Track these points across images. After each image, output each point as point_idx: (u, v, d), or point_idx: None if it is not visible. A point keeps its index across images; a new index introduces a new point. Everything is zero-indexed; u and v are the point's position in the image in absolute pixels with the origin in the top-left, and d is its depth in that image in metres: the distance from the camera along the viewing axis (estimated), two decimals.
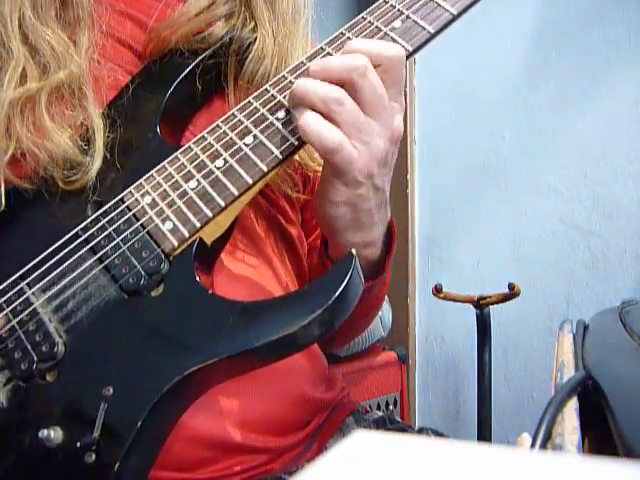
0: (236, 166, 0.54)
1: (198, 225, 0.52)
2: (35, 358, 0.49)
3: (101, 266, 0.52)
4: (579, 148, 1.54)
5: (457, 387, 1.77)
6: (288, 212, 0.71)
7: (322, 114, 0.52)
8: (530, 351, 1.61)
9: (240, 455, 0.59)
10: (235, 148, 0.55)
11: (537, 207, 1.61)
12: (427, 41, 0.58)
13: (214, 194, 0.53)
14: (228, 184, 0.53)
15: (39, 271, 0.53)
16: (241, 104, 0.57)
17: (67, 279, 0.52)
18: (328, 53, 0.58)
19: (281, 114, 0.55)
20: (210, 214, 0.53)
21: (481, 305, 1.41)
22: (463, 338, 1.70)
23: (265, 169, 0.53)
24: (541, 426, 0.35)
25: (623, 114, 1.47)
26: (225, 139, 0.55)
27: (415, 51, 0.58)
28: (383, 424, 0.71)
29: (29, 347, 0.50)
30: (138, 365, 0.49)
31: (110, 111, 0.60)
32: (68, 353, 0.50)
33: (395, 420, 0.73)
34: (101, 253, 0.53)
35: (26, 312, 0.52)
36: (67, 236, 0.54)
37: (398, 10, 0.59)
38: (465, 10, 0.59)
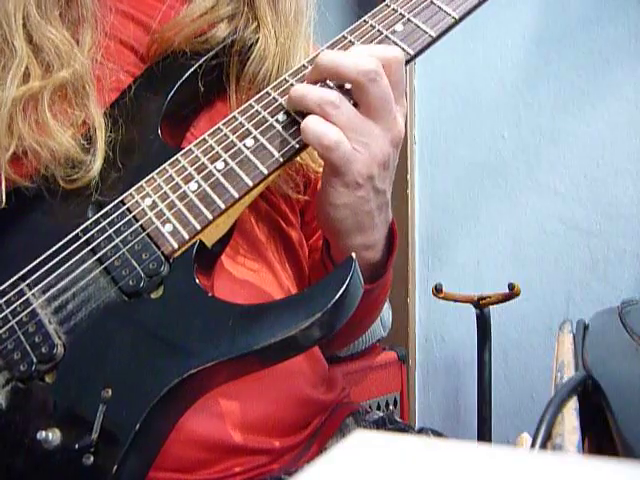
0: (237, 169, 0.54)
1: (198, 227, 0.52)
2: (34, 359, 0.49)
3: (101, 268, 0.52)
4: (579, 148, 1.54)
5: (457, 387, 1.77)
6: (288, 215, 0.71)
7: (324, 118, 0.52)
8: (530, 351, 1.61)
9: (239, 456, 0.59)
10: (236, 151, 0.55)
11: (537, 207, 1.61)
12: (429, 45, 0.58)
13: (214, 196, 0.53)
14: (229, 187, 0.53)
15: (39, 272, 0.53)
16: (242, 107, 0.57)
17: (67, 280, 0.53)
18: None
19: (282, 117, 0.55)
20: (210, 217, 0.53)
21: (481, 305, 1.41)
22: (463, 338, 1.70)
23: (266, 172, 0.53)
24: (541, 426, 0.35)
25: (623, 114, 1.47)
26: (226, 141, 0.55)
27: (417, 55, 0.58)
28: (383, 424, 0.71)
29: (28, 348, 0.50)
30: (137, 367, 0.49)
31: (112, 111, 0.60)
32: (67, 355, 0.50)
33: (395, 420, 0.73)
34: (101, 254, 0.53)
35: (26, 313, 0.52)
36: (67, 237, 0.54)
37: (400, 14, 0.59)
38: (467, 14, 0.59)
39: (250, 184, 0.53)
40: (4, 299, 0.53)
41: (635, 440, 0.33)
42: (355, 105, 0.54)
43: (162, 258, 0.52)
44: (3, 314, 0.52)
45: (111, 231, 0.54)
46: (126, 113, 0.60)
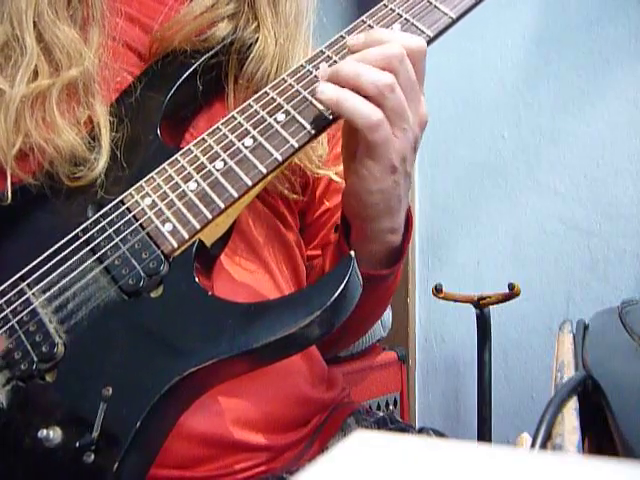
0: (236, 168, 0.54)
1: (198, 226, 0.52)
2: (35, 358, 0.50)
3: (101, 267, 0.53)
4: (579, 148, 1.54)
5: (457, 387, 1.77)
6: (287, 217, 0.71)
7: (370, 98, 0.52)
8: (530, 351, 1.61)
9: (239, 453, 0.59)
10: (235, 150, 0.55)
11: (537, 207, 1.61)
12: (426, 44, 0.58)
13: (214, 196, 0.53)
14: (228, 186, 0.53)
15: (39, 272, 0.53)
16: (241, 106, 0.57)
17: (67, 280, 0.53)
18: (328, 56, 0.58)
19: (280, 116, 0.55)
20: (210, 216, 0.53)
21: (481, 305, 1.41)
22: (463, 338, 1.70)
23: (265, 171, 0.53)
24: (541, 426, 0.35)
25: (623, 114, 1.47)
26: (225, 141, 0.56)
27: None
28: (384, 424, 0.71)
29: (29, 347, 0.50)
30: (137, 366, 0.49)
31: (116, 110, 0.61)
32: (68, 354, 0.50)
33: (396, 420, 0.73)
34: (101, 254, 0.53)
35: (26, 312, 0.52)
36: (67, 237, 0.54)
37: (397, 14, 0.59)
38: (464, 14, 0.59)
39: (249, 183, 0.53)
40: (4, 299, 0.53)
41: (635, 440, 0.33)
42: None
43: (162, 257, 0.52)
44: (3, 314, 0.52)
45: (111, 230, 0.54)
46: (130, 112, 0.61)
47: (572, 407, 0.38)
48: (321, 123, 0.55)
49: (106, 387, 0.47)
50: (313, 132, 0.55)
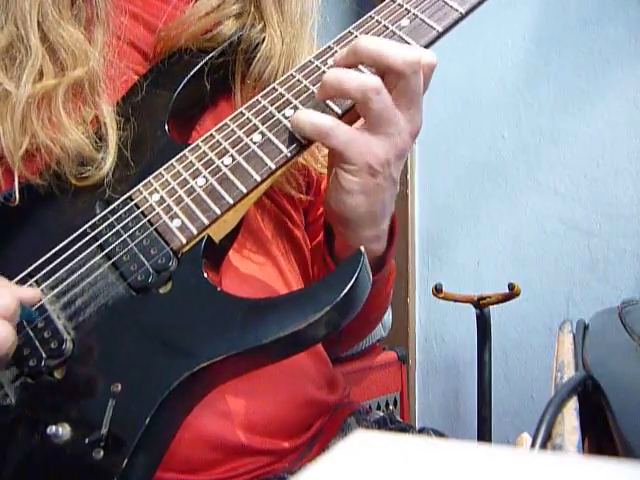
0: (244, 164, 0.54)
1: (207, 222, 0.52)
2: (43, 355, 0.50)
3: (109, 263, 0.53)
4: (579, 148, 1.54)
5: (457, 387, 1.77)
6: (293, 214, 0.71)
7: (357, 103, 0.52)
8: (530, 351, 1.61)
9: (244, 457, 0.59)
10: (243, 146, 0.55)
11: (537, 207, 1.61)
12: (435, 40, 0.58)
13: (223, 192, 0.53)
14: (236, 182, 0.53)
15: (48, 268, 0.53)
16: (249, 102, 0.57)
17: (75, 276, 0.53)
18: (336, 52, 0.57)
19: (289, 112, 0.55)
20: (219, 212, 0.53)
21: (481, 305, 1.41)
22: (463, 338, 1.70)
23: (274, 167, 0.53)
24: (541, 426, 0.36)
25: (623, 114, 1.47)
26: (233, 137, 0.55)
27: None
28: (384, 424, 0.71)
29: (37, 344, 0.50)
30: (146, 362, 0.49)
31: (122, 109, 0.61)
32: (76, 350, 0.50)
33: (396, 420, 0.73)
34: (109, 250, 0.53)
35: (34, 309, 0.52)
36: (75, 233, 0.54)
37: (405, 9, 0.59)
38: (473, 9, 0.59)
39: (258, 179, 0.53)
40: None
41: (635, 440, 0.33)
42: None
43: (170, 253, 0.52)
44: None
45: (119, 227, 0.54)
46: (136, 110, 0.61)
47: (572, 407, 0.38)
48: None
49: (115, 383, 0.47)
50: None
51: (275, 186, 0.65)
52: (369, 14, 0.60)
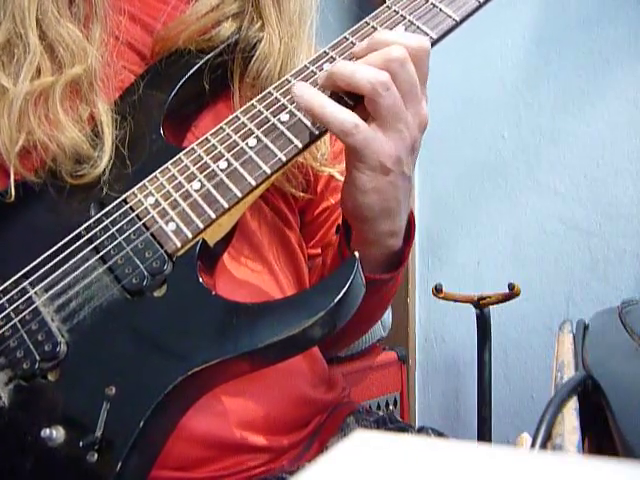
0: (240, 168, 0.54)
1: (201, 226, 0.52)
2: (37, 357, 0.50)
3: (104, 266, 0.53)
4: (579, 148, 1.54)
5: (457, 387, 1.77)
6: (288, 216, 0.71)
7: (367, 97, 0.52)
8: (530, 351, 1.61)
9: (240, 455, 0.59)
10: (239, 150, 0.55)
11: (537, 207, 1.61)
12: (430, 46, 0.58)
13: (217, 196, 0.53)
14: (231, 186, 0.53)
15: (42, 270, 0.53)
16: (244, 107, 0.57)
17: (70, 278, 0.53)
18: (332, 57, 0.58)
19: (284, 117, 0.55)
20: (213, 215, 0.53)
21: (481, 305, 1.41)
22: (463, 338, 1.70)
23: (269, 171, 0.54)
24: (541, 426, 0.36)
25: (623, 114, 1.47)
26: (228, 141, 0.56)
27: None
28: (383, 423, 0.71)
29: (31, 346, 0.50)
30: (141, 365, 0.49)
31: (119, 108, 0.61)
32: (70, 353, 0.50)
33: (395, 419, 0.73)
34: (104, 253, 0.53)
35: (28, 311, 0.52)
36: (70, 236, 0.54)
37: (401, 15, 0.59)
38: (468, 17, 0.59)
39: (253, 183, 0.53)
40: (7, 297, 0.53)
41: (635, 440, 0.33)
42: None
43: (165, 257, 0.52)
44: (6, 312, 0.52)
45: (114, 229, 0.54)
46: (133, 110, 0.61)
47: (572, 407, 0.38)
48: None
49: (109, 386, 0.47)
50: (317, 132, 0.55)
51: (274, 185, 0.65)
52: (365, 20, 0.60)
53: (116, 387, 0.47)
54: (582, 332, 0.55)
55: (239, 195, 0.53)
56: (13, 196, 0.56)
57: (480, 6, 0.59)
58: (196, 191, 0.54)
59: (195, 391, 0.50)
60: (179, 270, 0.52)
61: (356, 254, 0.50)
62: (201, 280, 0.51)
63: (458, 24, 0.59)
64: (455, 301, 1.47)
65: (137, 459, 0.46)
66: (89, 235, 0.54)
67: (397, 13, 0.59)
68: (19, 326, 0.51)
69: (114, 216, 0.55)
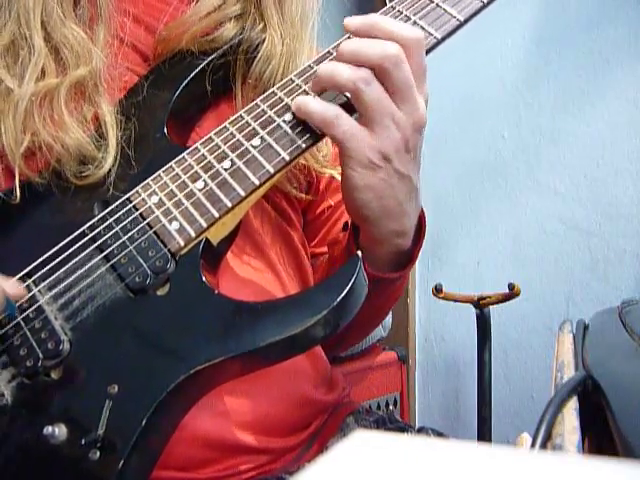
0: (243, 168, 0.54)
1: (205, 225, 0.53)
2: (40, 355, 0.50)
3: (107, 265, 0.53)
4: (579, 148, 1.54)
5: (457, 387, 1.77)
6: (291, 215, 0.71)
7: (349, 95, 0.53)
8: (530, 351, 1.61)
9: (241, 455, 0.59)
10: (242, 150, 0.55)
11: (537, 207, 1.61)
12: (434, 47, 0.58)
13: (221, 195, 0.53)
14: (235, 185, 0.53)
15: (45, 269, 0.53)
16: (248, 106, 0.58)
17: (73, 277, 0.53)
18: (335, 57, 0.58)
19: (288, 116, 0.56)
20: (217, 215, 0.53)
21: (481, 305, 1.41)
22: (463, 338, 1.70)
23: (272, 171, 0.54)
24: (541, 426, 0.36)
25: (623, 114, 1.47)
26: (232, 141, 0.56)
27: None
28: (383, 423, 0.71)
29: (34, 344, 0.50)
30: (143, 363, 0.49)
31: (123, 108, 0.61)
32: (73, 351, 0.50)
33: (395, 419, 0.74)
34: (107, 252, 0.53)
35: (32, 309, 0.52)
36: (74, 234, 0.54)
37: (405, 15, 0.59)
38: (472, 17, 0.59)
39: (257, 183, 0.53)
40: None
41: (635, 440, 0.33)
42: None
43: (168, 255, 0.52)
44: None
45: (117, 228, 0.54)
46: (137, 111, 0.61)
47: (572, 407, 0.38)
48: None
49: (111, 385, 0.47)
50: (320, 132, 0.55)
51: (276, 185, 0.65)
52: None
53: (118, 385, 0.47)
54: (582, 332, 0.55)
55: (242, 194, 0.53)
56: (18, 197, 0.56)
57: (484, 6, 0.60)
58: (200, 190, 0.54)
59: (197, 390, 0.50)
60: (182, 269, 0.52)
61: (359, 253, 0.50)
62: (204, 279, 0.51)
63: (462, 24, 0.59)
64: (455, 301, 1.47)
65: (139, 458, 0.46)
66: (93, 234, 0.54)
67: (401, 13, 0.59)
68: (22, 324, 0.51)
69: (118, 215, 0.55)
